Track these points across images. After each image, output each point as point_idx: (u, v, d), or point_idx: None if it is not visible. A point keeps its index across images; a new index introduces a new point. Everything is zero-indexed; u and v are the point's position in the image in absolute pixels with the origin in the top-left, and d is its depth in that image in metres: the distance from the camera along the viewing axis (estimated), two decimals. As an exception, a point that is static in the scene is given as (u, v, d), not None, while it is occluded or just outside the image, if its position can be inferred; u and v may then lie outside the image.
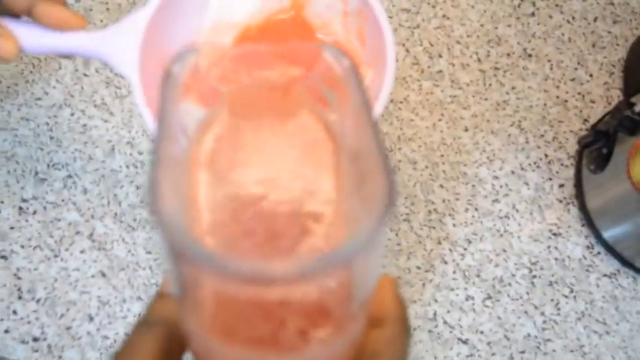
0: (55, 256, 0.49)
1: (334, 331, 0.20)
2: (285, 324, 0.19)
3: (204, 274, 0.18)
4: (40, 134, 0.52)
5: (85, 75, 0.54)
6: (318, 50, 0.24)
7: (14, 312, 0.47)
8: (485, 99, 0.56)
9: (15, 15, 0.34)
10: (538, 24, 0.59)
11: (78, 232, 0.49)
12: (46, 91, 0.53)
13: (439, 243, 0.51)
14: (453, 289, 0.50)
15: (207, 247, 0.21)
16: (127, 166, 0.51)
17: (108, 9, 0.56)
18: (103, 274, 0.48)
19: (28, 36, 0.33)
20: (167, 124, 0.21)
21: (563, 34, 0.59)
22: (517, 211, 0.53)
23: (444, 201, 0.53)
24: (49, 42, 0.33)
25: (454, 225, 0.52)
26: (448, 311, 0.50)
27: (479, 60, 0.57)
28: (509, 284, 0.51)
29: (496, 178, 0.54)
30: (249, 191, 0.23)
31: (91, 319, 0.47)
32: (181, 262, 0.18)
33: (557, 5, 0.60)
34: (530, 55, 0.58)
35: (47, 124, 0.52)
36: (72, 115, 0.52)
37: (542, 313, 0.50)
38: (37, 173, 0.51)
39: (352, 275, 0.19)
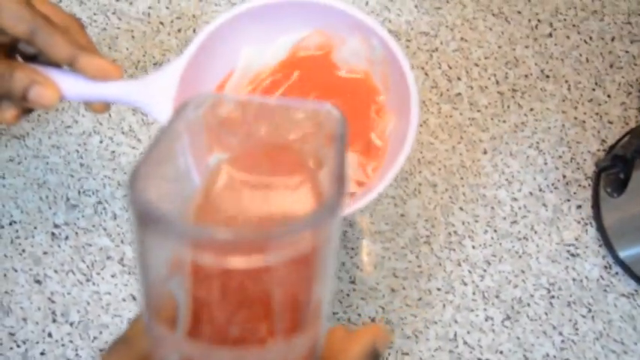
0: (87, 280, 0.50)
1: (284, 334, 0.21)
2: (251, 318, 0.20)
3: (166, 239, 0.19)
4: (71, 161, 0.53)
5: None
6: (318, 108, 0.26)
7: (49, 335, 0.49)
8: (504, 121, 0.57)
9: (57, 65, 0.36)
10: (555, 45, 0.59)
11: (109, 257, 0.51)
12: (75, 119, 0.55)
13: (459, 265, 0.53)
14: (472, 310, 0.51)
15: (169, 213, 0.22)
16: (155, 192, 0.53)
17: (133, 37, 0.57)
18: (134, 298, 0.50)
19: (69, 84, 0.35)
20: (173, 130, 0.22)
21: (580, 55, 0.59)
22: (535, 232, 0.54)
23: (463, 223, 0.54)
24: (88, 90, 0.35)
25: (473, 247, 0.53)
26: (468, 332, 0.51)
27: (497, 82, 0.58)
28: (528, 305, 0.52)
29: (515, 199, 0.55)
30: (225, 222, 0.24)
31: (122, 341, 0.49)
32: (145, 232, 0.19)
33: (574, 26, 0.60)
34: (547, 77, 0.58)
35: (77, 151, 0.54)
36: (101, 142, 0.54)
37: (561, 333, 0.51)
38: (68, 199, 0.52)
39: (302, 271, 0.20)
